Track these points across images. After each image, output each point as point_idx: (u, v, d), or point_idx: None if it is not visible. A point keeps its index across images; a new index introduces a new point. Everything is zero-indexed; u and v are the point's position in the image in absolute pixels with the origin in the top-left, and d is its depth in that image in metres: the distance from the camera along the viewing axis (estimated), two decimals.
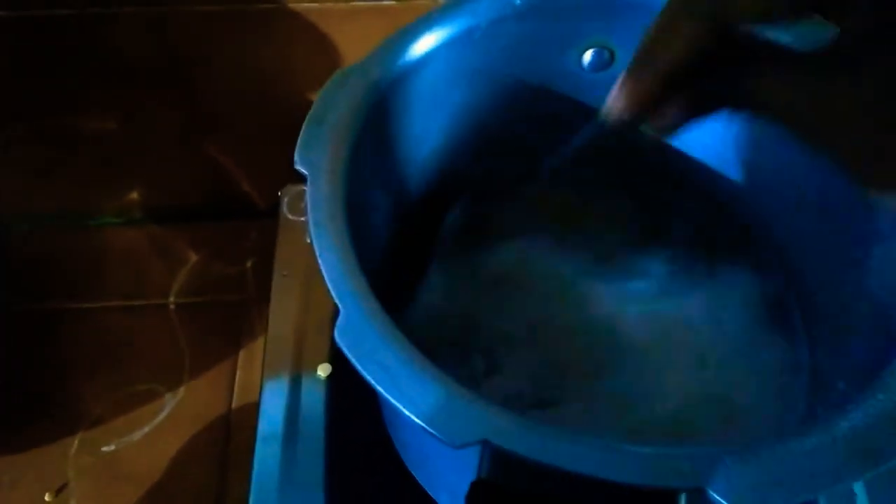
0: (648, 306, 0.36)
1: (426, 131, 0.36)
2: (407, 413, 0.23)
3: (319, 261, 0.26)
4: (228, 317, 0.57)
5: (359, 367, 0.24)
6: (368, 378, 0.23)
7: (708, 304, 0.37)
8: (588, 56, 0.37)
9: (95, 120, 0.57)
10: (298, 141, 0.30)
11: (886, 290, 0.28)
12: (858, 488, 0.39)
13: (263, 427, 0.42)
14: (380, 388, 0.23)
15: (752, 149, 0.37)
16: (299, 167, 0.29)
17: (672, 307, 0.36)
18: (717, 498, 0.21)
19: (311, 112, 0.30)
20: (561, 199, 0.40)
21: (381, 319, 0.25)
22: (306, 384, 0.43)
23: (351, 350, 0.24)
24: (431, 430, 0.22)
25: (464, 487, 0.24)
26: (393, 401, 0.23)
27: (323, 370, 0.44)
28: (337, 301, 0.25)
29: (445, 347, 0.35)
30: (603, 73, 0.38)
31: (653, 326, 0.35)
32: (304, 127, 0.30)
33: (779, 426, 0.32)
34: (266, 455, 0.41)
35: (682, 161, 0.40)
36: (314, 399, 0.42)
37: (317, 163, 0.29)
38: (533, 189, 0.38)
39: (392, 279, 0.33)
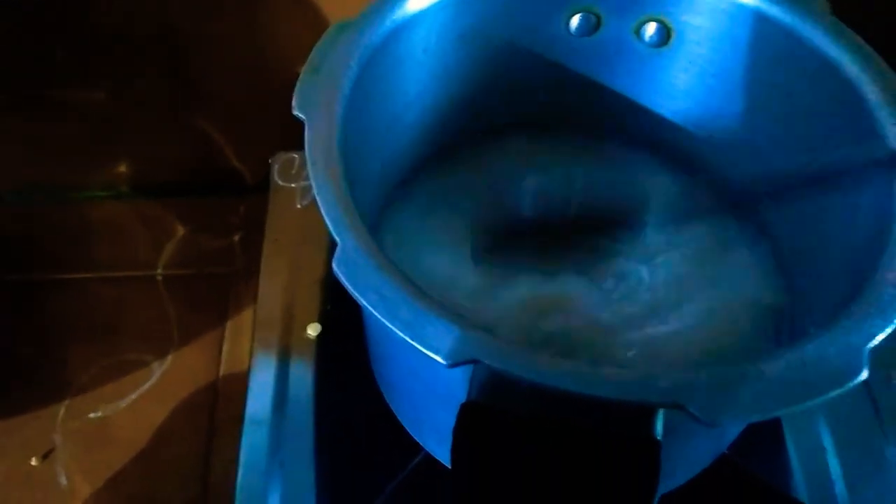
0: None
1: (415, 88, 0.37)
2: (402, 335, 0.24)
3: (317, 197, 0.27)
4: (216, 289, 0.58)
5: (356, 295, 0.25)
6: (365, 304, 0.24)
7: (689, 252, 0.39)
8: (575, 21, 0.38)
9: (83, 92, 0.57)
10: (296, 88, 0.31)
11: (860, 231, 0.30)
12: (827, 442, 0.41)
13: (253, 388, 0.43)
14: (377, 313, 0.24)
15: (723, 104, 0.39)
16: (297, 112, 0.30)
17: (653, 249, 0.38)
18: (694, 413, 0.23)
19: (307, 62, 0.32)
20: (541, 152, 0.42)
21: (374, 251, 0.26)
22: (296, 344, 0.44)
23: (348, 279, 0.25)
24: (426, 350, 0.23)
25: (451, 420, 0.25)
26: (390, 325, 0.24)
27: (313, 329, 0.45)
28: (334, 234, 0.26)
29: None
30: (589, 38, 0.39)
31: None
32: (301, 75, 0.31)
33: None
34: (257, 411, 0.42)
35: (654, 121, 0.42)
36: (304, 358, 0.43)
37: (313, 108, 0.30)
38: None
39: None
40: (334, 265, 0.25)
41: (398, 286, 0.25)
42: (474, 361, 0.23)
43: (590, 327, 0.35)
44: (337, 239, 0.26)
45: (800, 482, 0.39)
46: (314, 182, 0.27)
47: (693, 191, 0.42)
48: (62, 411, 0.52)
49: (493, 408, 0.24)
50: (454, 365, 0.23)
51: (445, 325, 0.24)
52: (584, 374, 0.23)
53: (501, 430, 0.24)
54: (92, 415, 0.52)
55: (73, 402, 0.52)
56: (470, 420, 0.24)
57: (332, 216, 0.26)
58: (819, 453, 0.40)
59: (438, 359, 0.23)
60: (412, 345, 0.24)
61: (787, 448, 0.40)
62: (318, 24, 0.53)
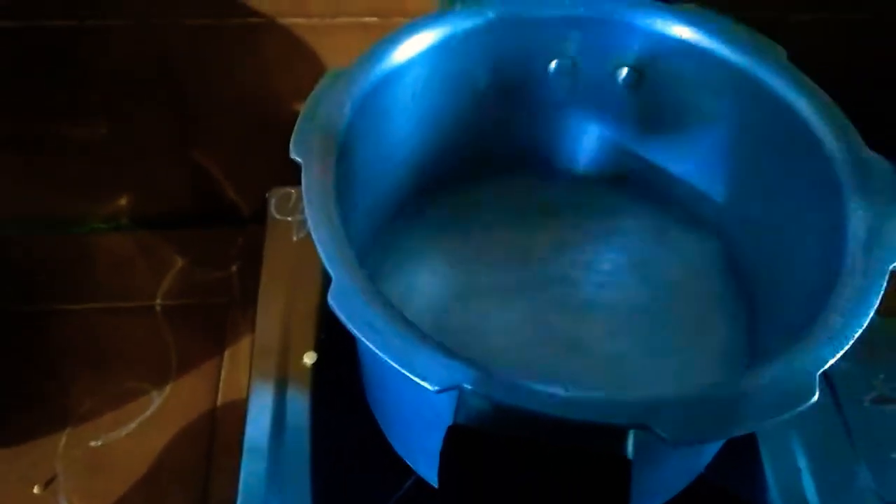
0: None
1: (404, 130, 0.39)
2: (393, 363, 0.26)
3: (313, 235, 0.29)
4: (214, 319, 0.58)
5: (350, 327, 0.27)
6: (359, 336, 0.26)
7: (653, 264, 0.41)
8: (553, 65, 0.41)
9: (85, 127, 0.58)
10: (293, 133, 0.33)
11: (815, 263, 0.32)
12: (802, 463, 0.43)
13: (252, 415, 0.44)
14: (370, 344, 0.26)
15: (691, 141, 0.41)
16: (294, 156, 0.32)
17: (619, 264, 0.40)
18: (660, 433, 0.25)
19: (303, 108, 0.34)
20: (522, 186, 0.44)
21: (367, 286, 0.28)
22: (293, 372, 0.46)
23: (343, 312, 0.27)
24: (415, 377, 0.25)
25: (439, 443, 0.27)
26: (381, 353, 0.26)
27: (309, 358, 0.46)
28: (329, 270, 0.28)
29: None
30: (567, 80, 0.41)
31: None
32: (298, 121, 0.33)
33: None
34: (256, 437, 0.43)
35: (630, 156, 0.44)
36: (301, 385, 0.45)
37: (309, 152, 0.32)
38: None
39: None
40: (329, 299, 0.27)
41: (389, 319, 0.27)
42: (459, 387, 0.25)
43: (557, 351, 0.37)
44: (332, 275, 0.28)
45: (776, 501, 0.41)
46: (311, 222, 0.29)
47: (662, 222, 0.44)
48: (63, 439, 0.53)
49: (477, 430, 0.26)
50: (441, 391, 0.25)
51: (432, 354, 0.26)
52: (558, 398, 0.25)
53: (485, 452, 0.26)
54: (93, 443, 0.52)
55: (75, 431, 0.53)
56: (455, 442, 0.26)
57: (328, 254, 0.28)
58: (794, 473, 0.42)
59: (426, 385, 0.25)
60: (402, 372, 0.25)
61: (763, 468, 0.42)
62: (313, 64, 0.55)
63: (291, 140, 0.32)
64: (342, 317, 0.27)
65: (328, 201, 0.30)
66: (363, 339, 0.26)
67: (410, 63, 0.37)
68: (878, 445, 0.43)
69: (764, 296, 0.39)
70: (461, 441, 0.26)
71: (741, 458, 0.42)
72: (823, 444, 0.43)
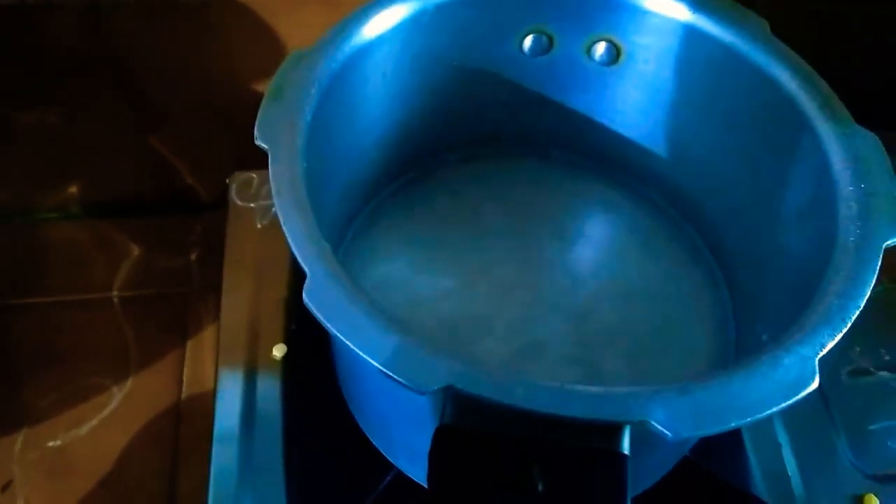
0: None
1: (375, 111, 0.38)
2: (376, 365, 0.24)
3: (284, 228, 0.27)
4: (174, 309, 0.57)
5: (328, 326, 0.25)
6: (337, 335, 0.25)
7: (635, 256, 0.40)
8: (528, 41, 0.40)
9: (33, 113, 0.56)
10: (258, 118, 0.31)
11: (804, 242, 0.32)
12: (782, 438, 0.43)
13: (220, 410, 0.43)
14: (350, 343, 0.25)
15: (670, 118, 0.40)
16: (259, 142, 0.30)
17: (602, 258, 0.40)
18: (658, 427, 0.24)
19: (268, 90, 0.32)
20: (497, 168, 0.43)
21: (343, 279, 0.26)
22: (262, 365, 0.44)
23: (319, 310, 0.25)
24: (400, 379, 0.24)
25: (423, 440, 0.25)
26: (363, 355, 0.24)
27: (278, 350, 0.45)
28: (303, 264, 0.26)
29: None
30: (542, 58, 0.40)
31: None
32: (262, 104, 0.31)
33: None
34: (225, 436, 0.41)
35: (606, 136, 0.43)
36: (271, 379, 0.43)
37: (276, 138, 0.30)
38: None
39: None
40: (305, 297, 0.26)
41: (369, 315, 0.25)
42: (447, 388, 0.24)
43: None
44: (306, 270, 0.26)
45: (758, 479, 0.41)
46: (281, 213, 0.27)
47: (641, 205, 0.43)
48: (20, 441, 0.51)
49: (466, 430, 0.25)
50: (429, 392, 0.24)
51: (417, 354, 0.24)
52: (553, 395, 0.24)
53: (476, 451, 0.25)
54: (51, 443, 0.51)
55: (31, 431, 0.51)
56: (445, 443, 0.25)
57: (301, 247, 0.27)
58: (776, 450, 0.42)
59: (414, 387, 0.24)
60: (387, 374, 0.24)
61: (744, 447, 0.42)
62: (271, 42, 0.53)
63: (256, 126, 0.30)
64: (319, 315, 0.25)
65: (298, 191, 0.28)
66: (343, 338, 0.25)
67: (380, 40, 0.35)
68: (855, 418, 0.44)
69: (748, 281, 0.38)
70: (451, 441, 0.25)
71: (723, 437, 0.42)
72: (803, 419, 0.43)
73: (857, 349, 0.46)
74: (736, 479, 0.41)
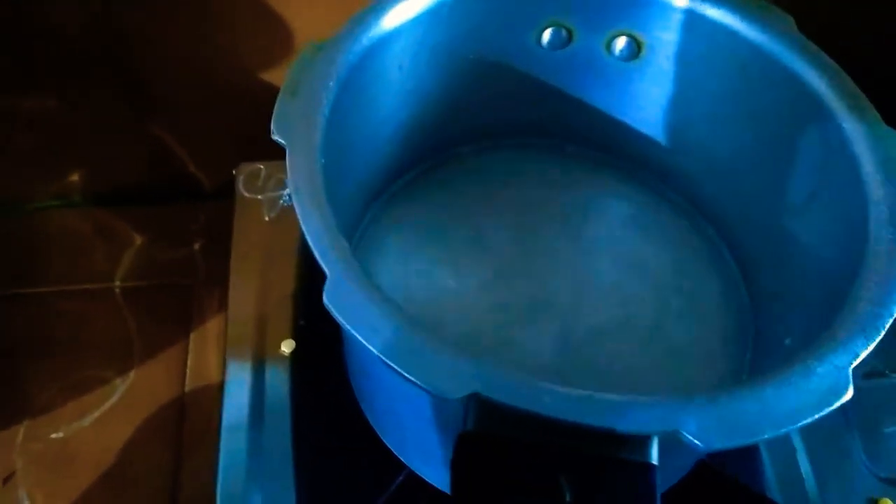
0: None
1: (390, 105, 0.37)
2: (398, 370, 0.24)
3: (303, 227, 0.26)
4: (177, 300, 0.56)
5: (349, 329, 0.24)
6: (360, 338, 0.24)
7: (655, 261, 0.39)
8: (547, 35, 0.39)
9: (34, 100, 0.55)
10: (274, 112, 0.30)
11: (829, 245, 0.31)
12: (798, 443, 0.42)
13: (228, 407, 0.42)
14: (371, 347, 0.24)
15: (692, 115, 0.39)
16: (276, 137, 0.29)
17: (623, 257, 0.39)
18: (690, 438, 0.23)
19: (284, 84, 0.31)
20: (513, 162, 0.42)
21: (363, 280, 0.26)
22: (270, 361, 0.44)
23: (340, 312, 0.25)
24: (424, 386, 0.23)
25: (439, 443, 0.25)
26: (386, 360, 0.24)
27: (287, 346, 0.44)
28: (323, 265, 0.26)
29: None
30: (561, 52, 0.39)
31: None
32: (278, 99, 0.31)
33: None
34: (233, 434, 0.41)
35: (625, 132, 0.42)
36: (279, 375, 0.43)
37: (293, 132, 0.29)
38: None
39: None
40: (325, 299, 0.25)
41: (391, 318, 0.25)
42: (473, 395, 0.23)
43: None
44: (326, 271, 0.26)
45: (773, 482, 0.40)
46: (300, 212, 0.27)
47: (659, 203, 0.43)
48: (22, 432, 0.50)
49: (491, 436, 0.24)
50: (455, 400, 0.23)
51: (441, 358, 0.24)
52: (582, 404, 0.23)
53: (501, 458, 0.24)
54: (53, 435, 0.50)
55: (33, 423, 0.51)
56: (470, 450, 0.24)
57: (321, 247, 0.26)
58: (790, 453, 0.41)
59: (439, 394, 0.23)
60: (410, 379, 0.23)
61: (759, 450, 0.41)
62: (278, 31, 0.52)
63: (273, 120, 0.30)
64: (340, 318, 0.25)
65: (317, 188, 0.27)
66: (365, 342, 0.24)
67: (397, 32, 0.34)
68: (870, 421, 0.43)
69: (769, 283, 0.37)
70: (475, 448, 0.24)
71: None
72: (819, 423, 0.42)
73: (872, 351, 0.45)
74: (751, 481, 0.40)
